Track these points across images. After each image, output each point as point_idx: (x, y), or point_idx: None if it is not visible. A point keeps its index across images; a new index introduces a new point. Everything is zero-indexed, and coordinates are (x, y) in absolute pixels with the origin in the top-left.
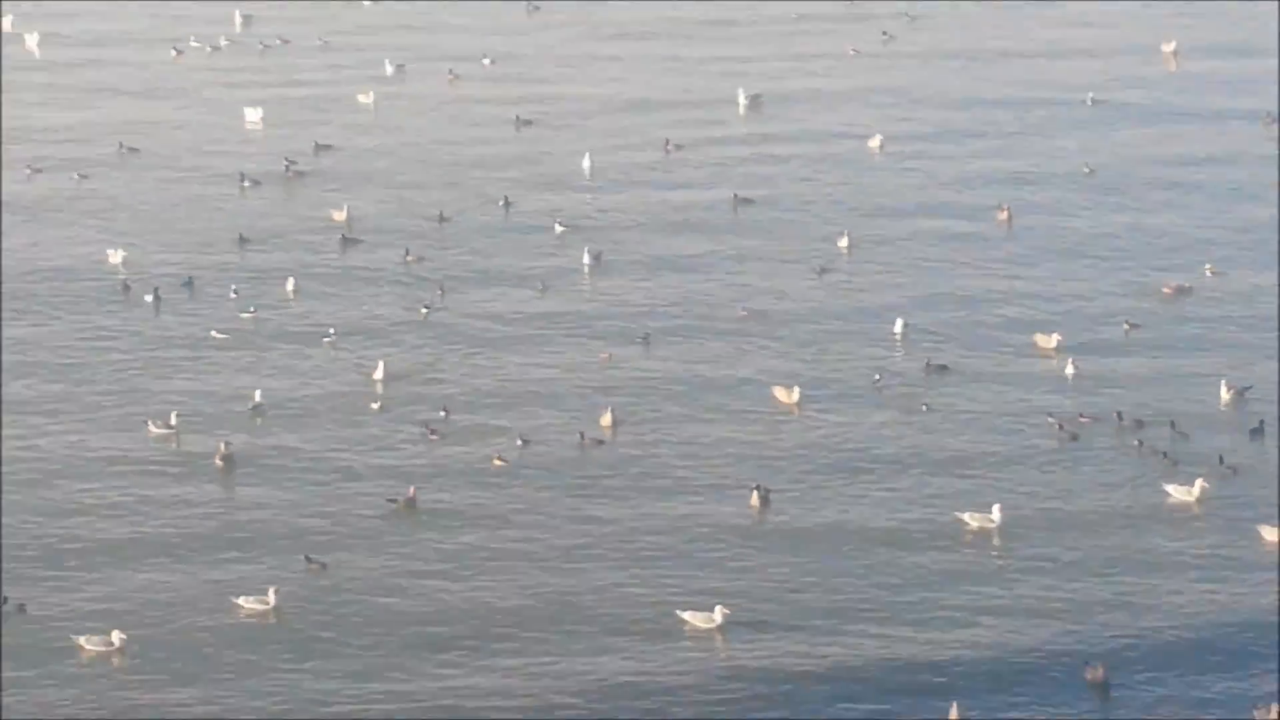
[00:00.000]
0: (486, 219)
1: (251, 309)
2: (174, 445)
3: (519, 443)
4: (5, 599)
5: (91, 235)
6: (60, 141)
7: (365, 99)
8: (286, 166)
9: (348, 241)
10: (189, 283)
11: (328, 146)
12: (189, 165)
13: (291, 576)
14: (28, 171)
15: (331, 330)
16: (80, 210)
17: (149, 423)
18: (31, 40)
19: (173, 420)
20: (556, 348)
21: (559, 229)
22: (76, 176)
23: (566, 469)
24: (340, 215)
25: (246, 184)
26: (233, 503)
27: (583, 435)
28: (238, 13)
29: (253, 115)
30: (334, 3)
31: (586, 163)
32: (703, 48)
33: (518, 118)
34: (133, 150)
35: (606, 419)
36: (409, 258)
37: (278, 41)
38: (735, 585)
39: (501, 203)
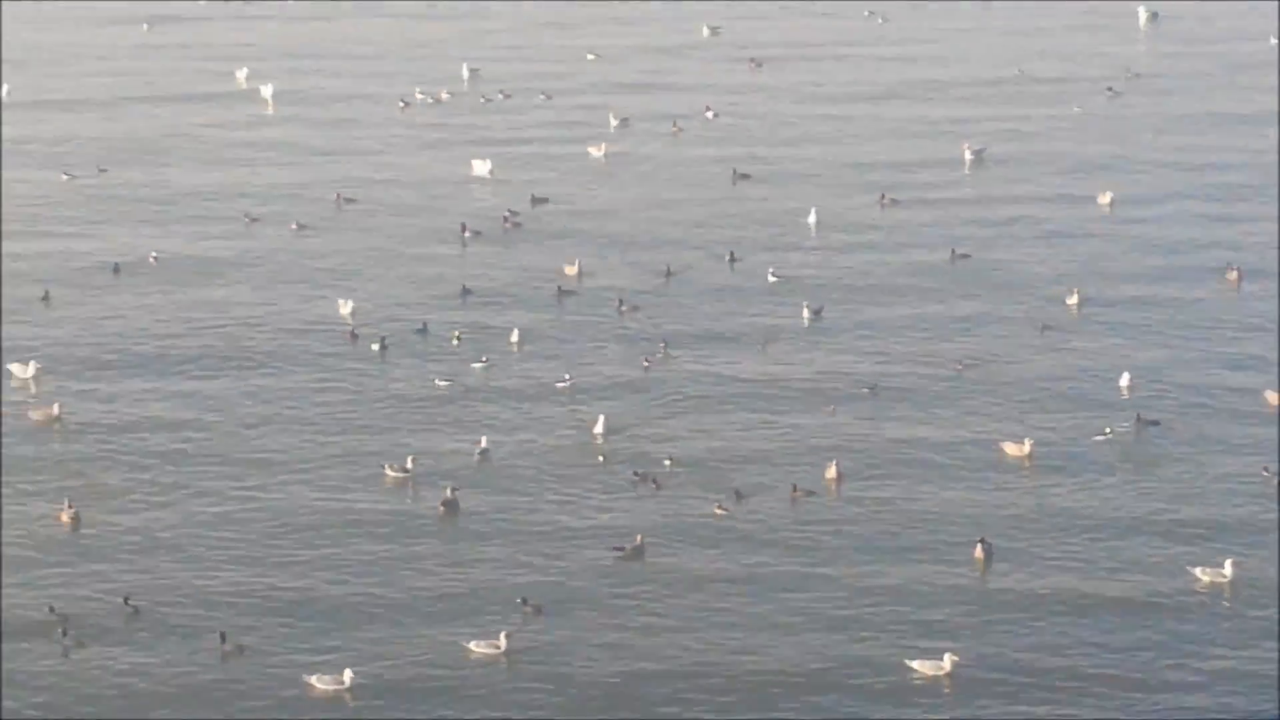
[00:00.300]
0: (710, 274)
1: (484, 358)
2: (410, 490)
3: (737, 496)
4: (223, 635)
5: (314, 287)
6: (279, 194)
7: (597, 152)
8: (505, 219)
9: (567, 294)
10: (423, 329)
11: (544, 200)
12: (410, 216)
13: (516, 624)
14: (246, 220)
15: (567, 376)
16: (301, 262)
17: (386, 467)
18: (266, 92)
19: (409, 464)
20: (777, 404)
21: (772, 278)
22: (295, 226)
23: (787, 524)
24: (571, 270)
25: (468, 235)
26: (456, 549)
27: (794, 487)
28: (465, 66)
29: (481, 168)
30: (558, 58)
31: (812, 218)
32: (925, 108)
33: (735, 171)
34: (349, 200)
35: (831, 472)
36: (622, 308)
37: (500, 95)
38: (963, 645)
39: (727, 258)
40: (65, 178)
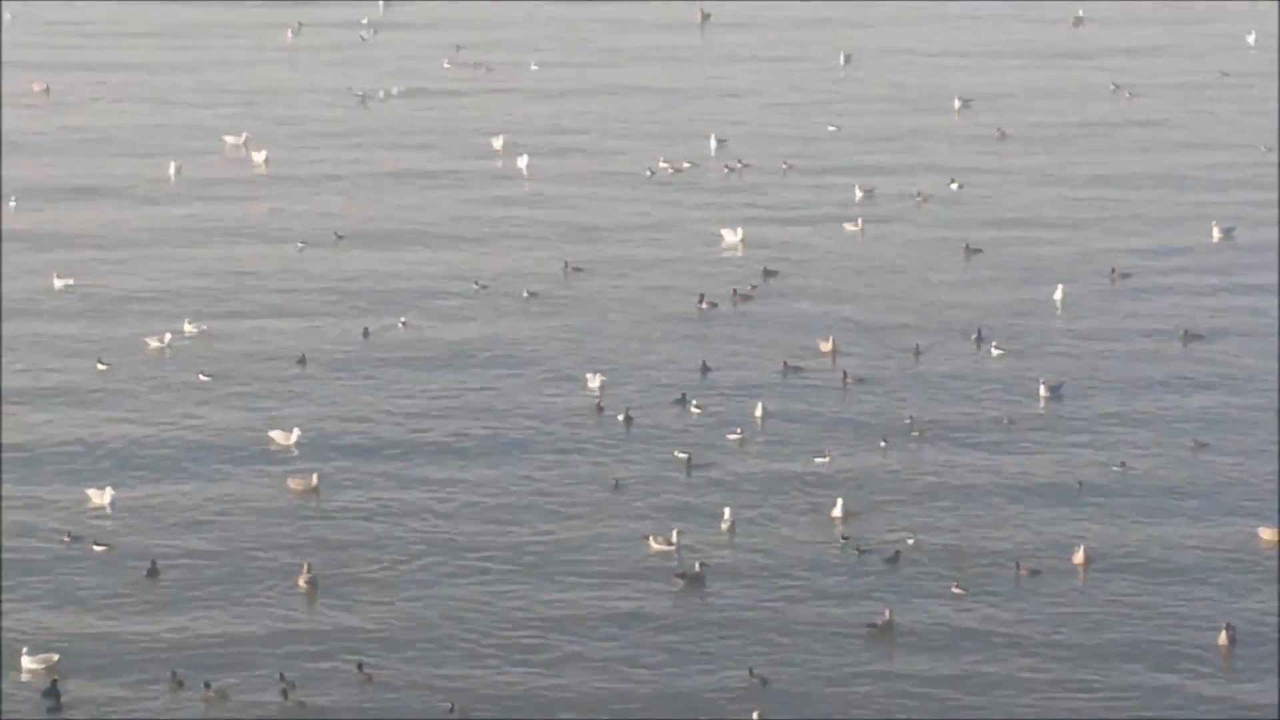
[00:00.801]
0: (950, 353)
1: (738, 430)
2: (674, 563)
3: (973, 578)
4: (360, 665)
5: (553, 360)
6: (514, 263)
7: (842, 225)
8: (735, 292)
9: (808, 370)
10: (683, 399)
11: (774, 273)
12: (644, 286)
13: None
14: (475, 287)
15: (826, 455)
16: (535, 331)
17: (650, 538)
18: (521, 162)
19: (674, 537)
20: (1019, 487)
21: (995, 351)
22: (525, 294)
23: (1028, 612)
24: (826, 346)
25: (705, 306)
26: (703, 615)
27: (1017, 564)
28: (713, 137)
29: (732, 237)
30: (804, 130)
31: (1059, 294)
32: (1167, 192)
33: (967, 246)
34: (577, 270)
35: (1079, 556)
36: (847, 380)
37: (739, 164)
38: None
39: (974, 337)
40: (301, 246)
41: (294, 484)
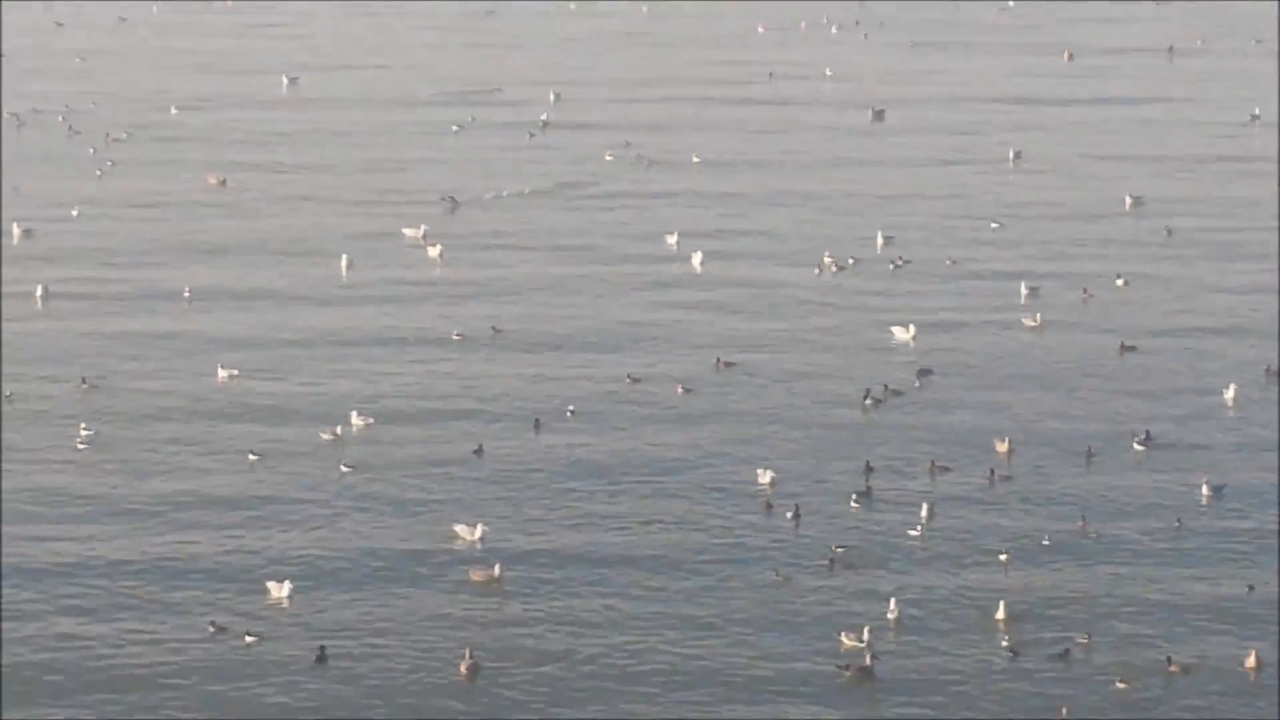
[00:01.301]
0: (1123, 453)
1: (917, 527)
2: (865, 660)
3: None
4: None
5: (717, 452)
6: (666, 354)
7: (1031, 322)
8: (885, 388)
9: (965, 469)
10: (867, 492)
11: (929, 371)
12: (810, 381)
13: None
14: (628, 379)
15: (1003, 554)
16: (693, 426)
17: (842, 635)
18: (696, 260)
19: (865, 635)
20: (1183, 590)
21: (1138, 447)
22: (680, 390)
23: (1210, 697)
24: (1002, 446)
25: (869, 402)
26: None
27: (1169, 658)
28: (879, 234)
29: (902, 334)
30: (964, 227)
31: (1229, 394)
32: None
33: (1122, 344)
34: (729, 365)
35: (1250, 661)
36: (1014, 481)
37: (903, 260)
38: None
39: (1140, 438)
40: (457, 336)
41: (476, 575)
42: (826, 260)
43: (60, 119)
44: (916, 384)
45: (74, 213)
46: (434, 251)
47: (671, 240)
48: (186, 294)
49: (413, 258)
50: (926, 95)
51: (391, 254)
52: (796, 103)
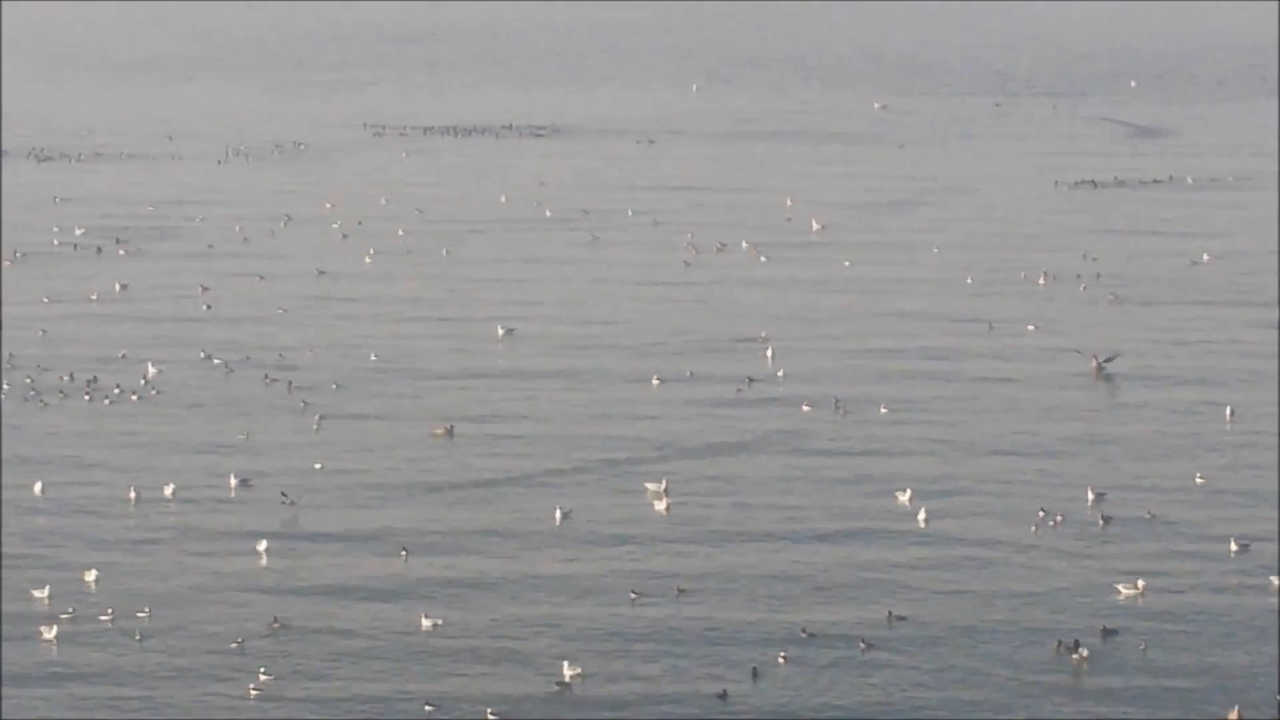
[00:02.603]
0: None
1: None
2: None
3: None
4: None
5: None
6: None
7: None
8: (1076, 646)
9: None
10: None
11: (1114, 632)
12: (974, 637)
13: None
14: (861, 645)
15: None
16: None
17: None
18: (919, 516)
19: None
20: None
21: None
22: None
23: None
24: (1233, 715)
25: (1061, 650)
26: None
27: None
28: (1089, 490)
29: (1128, 590)
30: (1170, 481)
31: None
32: None
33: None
34: (900, 619)
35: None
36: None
37: (1106, 518)
38: None
39: None
40: (634, 597)
41: None
42: (1041, 513)
43: (266, 371)
44: (1077, 645)
45: (317, 465)
46: (660, 504)
47: (904, 498)
48: (403, 553)
49: (644, 507)
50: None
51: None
52: (1013, 356)
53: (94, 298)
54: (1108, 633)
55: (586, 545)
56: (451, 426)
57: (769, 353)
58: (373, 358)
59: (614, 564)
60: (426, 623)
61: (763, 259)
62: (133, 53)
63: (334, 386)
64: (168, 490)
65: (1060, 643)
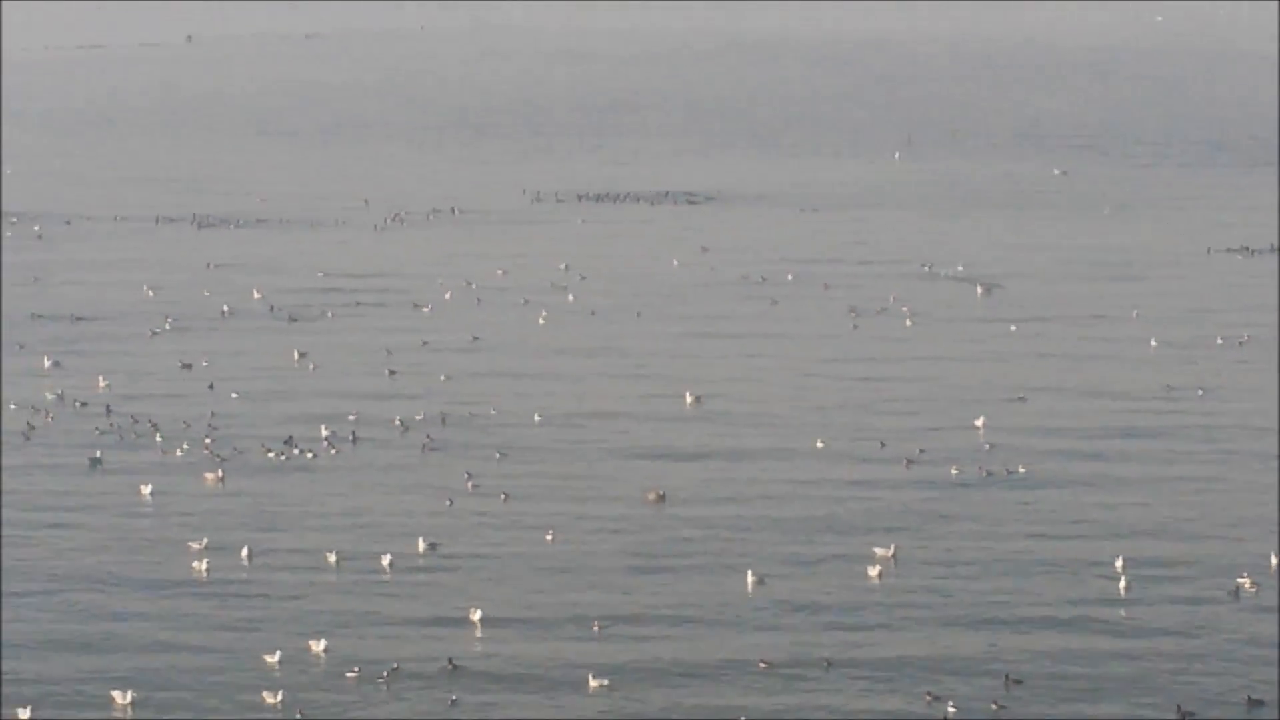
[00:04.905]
0: None
1: None
2: None
3: None
4: None
5: None
6: None
7: None
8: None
9: None
10: None
11: None
12: None
13: None
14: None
15: None
16: None
17: None
18: None
19: None
20: None
21: None
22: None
23: None
24: None
25: None
26: None
27: None
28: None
29: None
30: None
31: None
32: None
33: None
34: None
35: None
36: None
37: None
38: None
39: None
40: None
41: None
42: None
43: (427, 435)
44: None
45: (502, 538)
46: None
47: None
48: (596, 627)
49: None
50: None
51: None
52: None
53: (275, 364)
54: None
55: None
56: (663, 493)
57: (979, 422)
58: (561, 422)
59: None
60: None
61: (966, 333)
62: (319, 119)
63: (522, 452)
64: (365, 558)
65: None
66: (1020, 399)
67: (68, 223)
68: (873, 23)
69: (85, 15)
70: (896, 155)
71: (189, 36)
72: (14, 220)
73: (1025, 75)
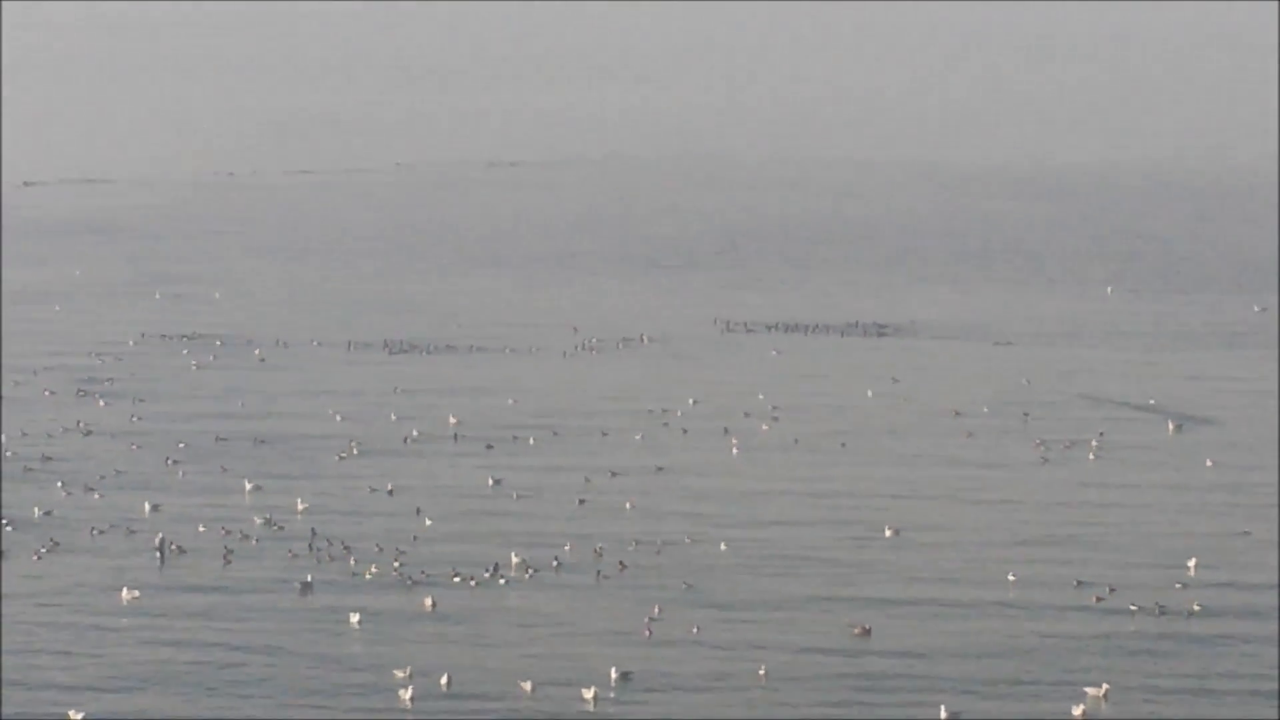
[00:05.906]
0: None
1: None
2: None
3: None
4: None
5: None
6: None
7: None
8: None
9: None
10: None
11: None
12: None
13: None
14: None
15: None
16: None
17: None
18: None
19: None
20: None
21: None
22: None
23: None
24: None
25: None
26: None
27: None
28: None
29: None
30: None
31: None
32: None
33: None
34: None
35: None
36: None
37: None
38: None
39: None
40: None
41: None
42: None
43: (620, 563)
44: None
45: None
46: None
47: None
48: None
49: None
50: None
51: None
52: None
53: (469, 492)
54: None
55: None
56: (869, 627)
57: (1191, 564)
58: (763, 552)
59: None
60: None
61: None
62: (523, 247)
63: (719, 581)
64: (563, 688)
65: None
66: (1244, 533)
67: (264, 346)
68: (1083, 153)
69: (295, 138)
70: (1109, 290)
71: (397, 163)
72: (218, 343)
73: (1232, 206)
